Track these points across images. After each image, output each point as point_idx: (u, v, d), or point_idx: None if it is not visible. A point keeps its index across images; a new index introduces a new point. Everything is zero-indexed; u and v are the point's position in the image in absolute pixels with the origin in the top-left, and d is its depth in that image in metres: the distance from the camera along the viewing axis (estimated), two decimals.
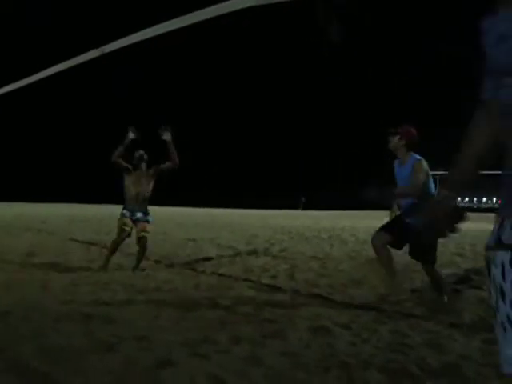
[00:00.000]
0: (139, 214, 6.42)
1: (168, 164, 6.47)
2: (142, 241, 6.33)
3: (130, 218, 6.39)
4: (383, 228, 4.84)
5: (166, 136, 6.42)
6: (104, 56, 3.43)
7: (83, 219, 18.60)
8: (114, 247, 6.34)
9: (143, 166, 6.57)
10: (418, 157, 4.72)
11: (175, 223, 17.92)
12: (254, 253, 8.63)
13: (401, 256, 8.11)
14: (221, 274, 6.15)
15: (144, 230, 6.37)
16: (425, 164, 4.67)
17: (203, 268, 6.66)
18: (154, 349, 3.04)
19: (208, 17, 2.78)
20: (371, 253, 8.81)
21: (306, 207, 54.92)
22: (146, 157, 6.61)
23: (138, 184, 6.48)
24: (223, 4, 2.67)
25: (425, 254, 4.63)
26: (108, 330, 3.43)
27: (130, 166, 6.52)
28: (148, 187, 6.56)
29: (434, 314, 4.25)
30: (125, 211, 6.43)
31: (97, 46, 3.50)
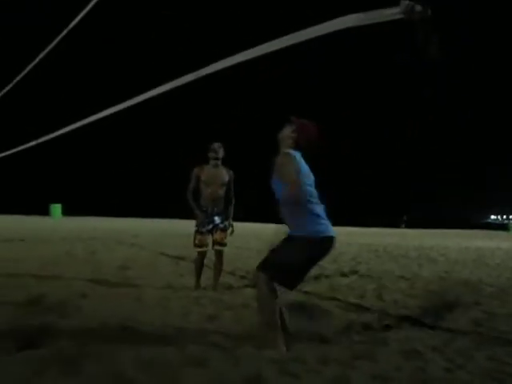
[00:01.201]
0: (217, 219, 6.16)
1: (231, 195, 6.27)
2: (218, 255, 6.19)
3: (207, 231, 6.13)
4: None
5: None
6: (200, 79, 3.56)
7: (173, 234, 19.24)
8: (198, 272, 6.20)
9: (219, 161, 6.18)
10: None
11: (262, 239, 18.03)
12: (340, 271, 8.51)
13: (495, 278, 7.74)
14: (307, 292, 6.12)
15: (221, 243, 6.15)
16: (295, 159, 3.61)
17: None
18: (243, 365, 3.08)
19: (306, 38, 2.80)
20: (463, 274, 8.47)
21: (408, 225, 51.56)
22: (222, 152, 6.19)
23: (212, 180, 6.12)
24: (322, 25, 2.68)
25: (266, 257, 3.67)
26: (200, 345, 3.52)
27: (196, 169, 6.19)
28: (222, 187, 6.18)
29: None
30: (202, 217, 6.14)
31: (192, 70, 3.64)
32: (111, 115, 6.06)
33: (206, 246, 6.17)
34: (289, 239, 3.64)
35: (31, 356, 3.08)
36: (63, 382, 2.67)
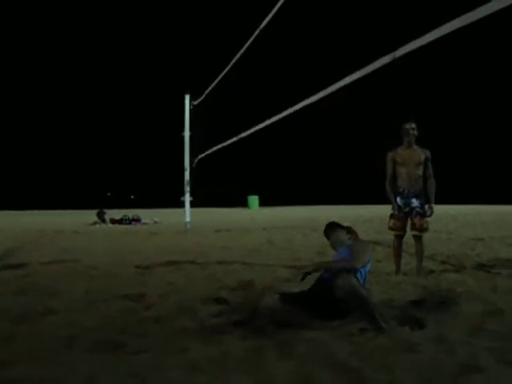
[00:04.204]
0: (414, 202, 5.90)
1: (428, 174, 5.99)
2: (417, 241, 5.98)
3: (404, 216, 5.96)
4: None
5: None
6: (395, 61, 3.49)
7: (365, 219, 19.20)
8: (396, 254, 6.08)
9: (413, 142, 5.97)
10: None
11: (460, 222, 17.09)
12: None
13: None
14: None
15: (420, 229, 5.91)
16: None
17: (498, 270, 6.17)
18: (458, 352, 2.94)
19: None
20: None
21: None
22: (416, 132, 5.96)
23: (407, 161, 5.95)
24: None
25: None
26: (405, 329, 3.47)
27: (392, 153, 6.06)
28: (417, 168, 5.94)
29: None
30: (398, 198, 5.98)
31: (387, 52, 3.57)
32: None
33: (403, 227, 6.02)
34: None
35: (249, 335, 3.36)
36: (279, 363, 2.85)
